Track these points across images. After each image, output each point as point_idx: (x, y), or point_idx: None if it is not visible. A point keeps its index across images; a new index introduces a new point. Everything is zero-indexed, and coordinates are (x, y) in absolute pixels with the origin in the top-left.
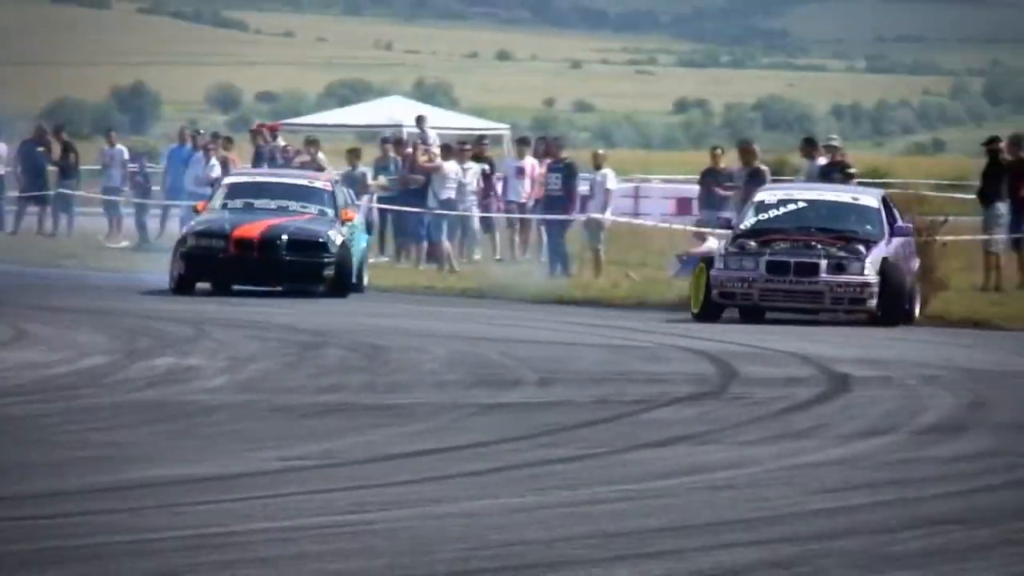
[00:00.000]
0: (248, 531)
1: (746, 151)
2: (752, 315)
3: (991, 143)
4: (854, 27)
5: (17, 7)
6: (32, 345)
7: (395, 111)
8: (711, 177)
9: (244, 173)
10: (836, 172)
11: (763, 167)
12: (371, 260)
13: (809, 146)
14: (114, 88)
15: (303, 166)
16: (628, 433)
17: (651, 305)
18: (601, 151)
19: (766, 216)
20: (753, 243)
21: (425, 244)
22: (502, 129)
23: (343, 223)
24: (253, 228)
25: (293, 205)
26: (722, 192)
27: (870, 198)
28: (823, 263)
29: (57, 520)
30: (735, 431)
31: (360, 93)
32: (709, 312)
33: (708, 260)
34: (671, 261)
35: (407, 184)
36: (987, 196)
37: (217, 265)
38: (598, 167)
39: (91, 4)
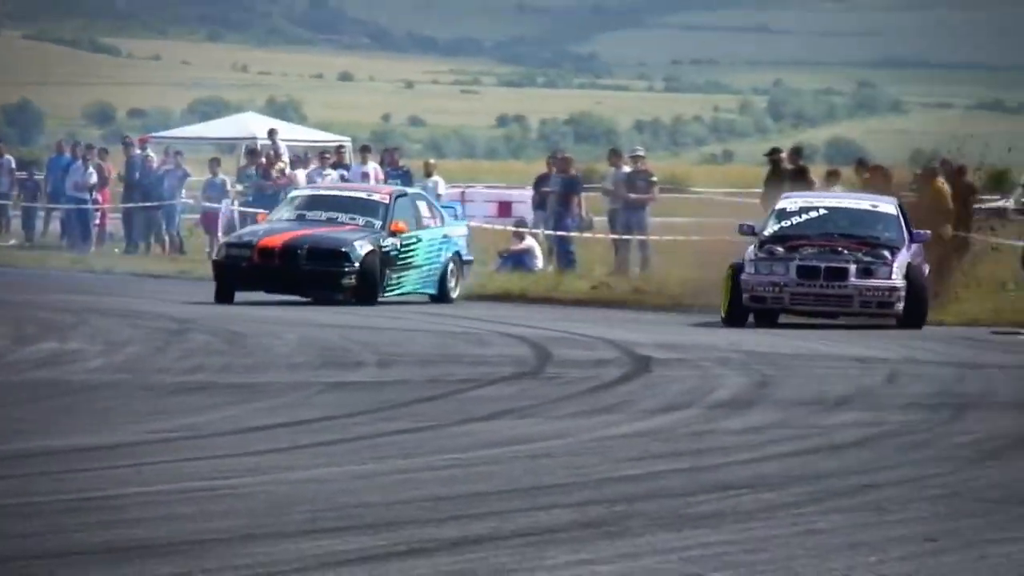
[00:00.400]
0: (124, 495)
1: (563, 160)
2: (767, 320)
3: (773, 153)
4: (653, 52)
5: None
6: None
7: (250, 125)
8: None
9: (309, 187)
10: (639, 180)
11: (577, 174)
12: None
13: (615, 156)
14: (2, 105)
15: (167, 173)
16: (456, 408)
17: (479, 297)
18: (431, 160)
19: (788, 223)
20: (781, 248)
21: None
22: (344, 141)
23: (393, 234)
24: (277, 238)
25: (343, 217)
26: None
27: (888, 205)
28: (852, 267)
29: None
30: (551, 406)
31: (219, 109)
32: (737, 316)
33: (736, 266)
34: (495, 258)
35: (263, 190)
36: (769, 201)
37: (241, 274)
38: (429, 174)
39: None
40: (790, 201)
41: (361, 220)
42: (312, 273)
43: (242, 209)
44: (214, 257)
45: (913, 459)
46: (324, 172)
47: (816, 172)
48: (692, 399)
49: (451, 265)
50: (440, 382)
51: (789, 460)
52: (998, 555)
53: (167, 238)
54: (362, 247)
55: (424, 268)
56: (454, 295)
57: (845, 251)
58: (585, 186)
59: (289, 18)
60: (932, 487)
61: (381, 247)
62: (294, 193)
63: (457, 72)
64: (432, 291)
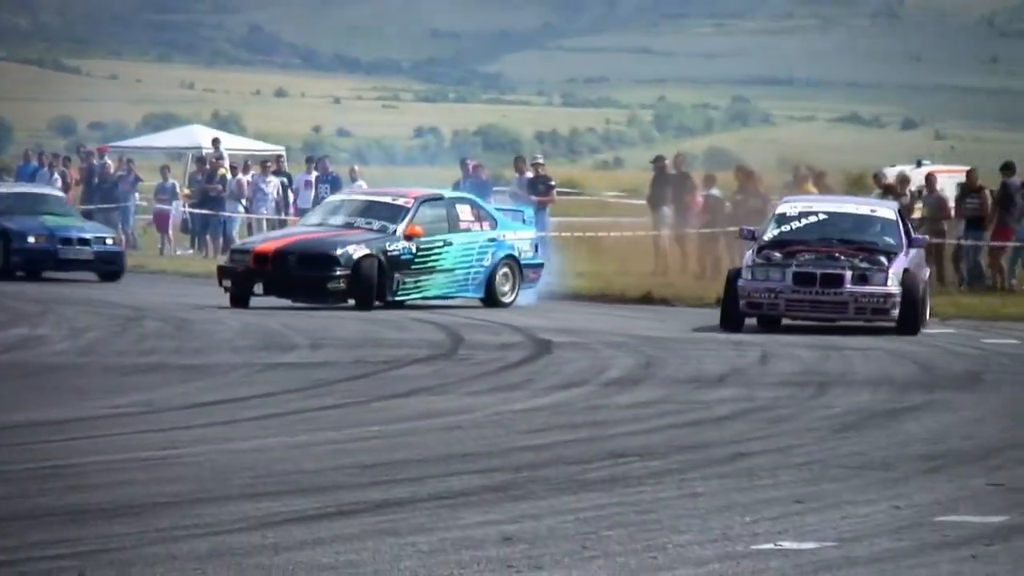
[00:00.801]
0: (85, 463)
1: (477, 167)
2: (770, 324)
3: (657, 160)
4: (551, 71)
5: None
6: None
7: (197, 136)
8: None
9: (343, 192)
10: (541, 184)
11: (487, 179)
12: (179, 252)
13: (519, 162)
14: None
15: (121, 178)
16: (378, 386)
17: None
18: (356, 167)
19: (788, 228)
20: (778, 254)
21: (222, 240)
22: (280, 150)
23: (408, 238)
24: (271, 244)
25: (361, 221)
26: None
27: (887, 210)
28: (848, 274)
29: None
30: (461, 384)
31: (169, 122)
32: (734, 322)
33: (734, 271)
34: None
35: (207, 192)
36: (655, 202)
37: (238, 278)
38: (354, 179)
39: None
40: (790, 206)
41: (377, 224)
42: (300, 278)
43: (190, 209)
44: (219, 263)
45: (781, 431)
46: (267, 179)
47: (696, 175)
48: (587, 377)
49: (504, 269)
50: (364, 363)
51: (673, 431)
52: (857, 515)
53: (123, 236)
54: (356, 252)
55: (456, 272)
56: (508, 299)
57: (842, 257)
58: (494, 189)
59: (230, 41)
60: (798, 455)
61: (387, 251)
62: (328, 198)
63: (379, 89)
64: (475, 295)
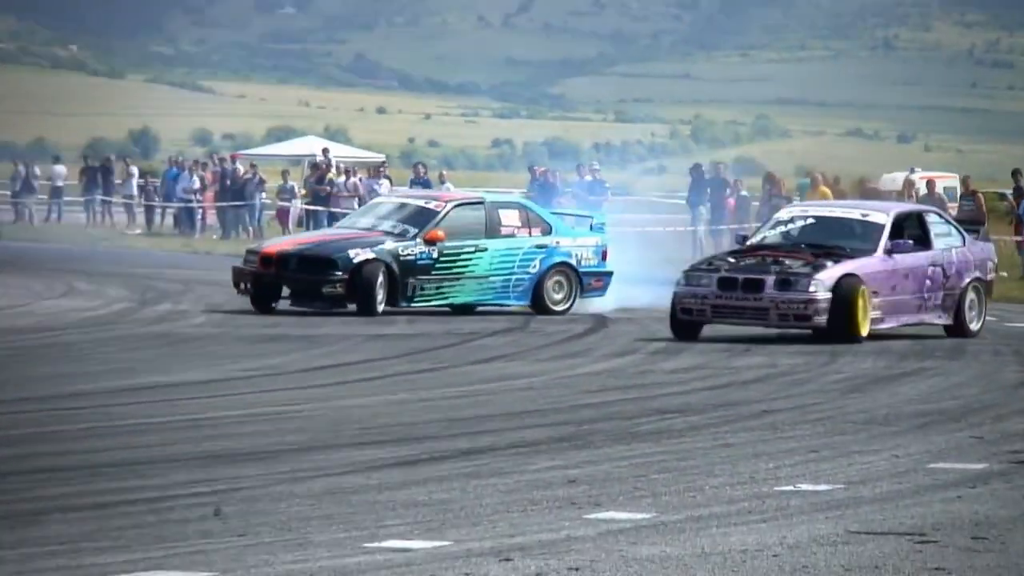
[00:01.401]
0: (219, 416)
1: (544, 172)
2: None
3: (695, 167)
4: (606, 92)
5: (72, 79)
6: (78, 295)
7: (311, 145)
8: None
9: (385, 194)
10: (597, 186)
11: (553, 181)
12: None
13: (579, 169)
14: (129, 130)
15: (248, 181)
16: (464, 353)
17: None
18: (444, 171)
19: (774, 232)
20: (731, 259)
21: None
22: (381, 157)
23: (430, 243)
24: (276, 247)
25: (386, 224)
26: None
27: (880, 214)
28: (769, 279)
29: (87, 410)
30: (533, 352)
31: (288, 134)
32: (680, 330)
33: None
34: None
35: (319, 192)
36: (693, 201)
37: (247, 279)
38: (443, 182)
39: (112, 76)
40: (787, 210)
41: (400, 228)
42: (296, 281)
43: (305, 207)
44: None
45: (799, 392)
46: (380, 180)
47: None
48: (636, 347)
49: (556, 277)
50: (452, 335)
51: (708, 392)
52: (862, 462)
53: (251, 228)
54: (358, 256)
55: (493, 279)
56: (560, 307)
57: (784, 262)
58: (564, 190)
59: (339, 67)
60: (813, 412)
61: (400, 256)
62: (372, 200)
63: (462, 107)
64: (519, 302)
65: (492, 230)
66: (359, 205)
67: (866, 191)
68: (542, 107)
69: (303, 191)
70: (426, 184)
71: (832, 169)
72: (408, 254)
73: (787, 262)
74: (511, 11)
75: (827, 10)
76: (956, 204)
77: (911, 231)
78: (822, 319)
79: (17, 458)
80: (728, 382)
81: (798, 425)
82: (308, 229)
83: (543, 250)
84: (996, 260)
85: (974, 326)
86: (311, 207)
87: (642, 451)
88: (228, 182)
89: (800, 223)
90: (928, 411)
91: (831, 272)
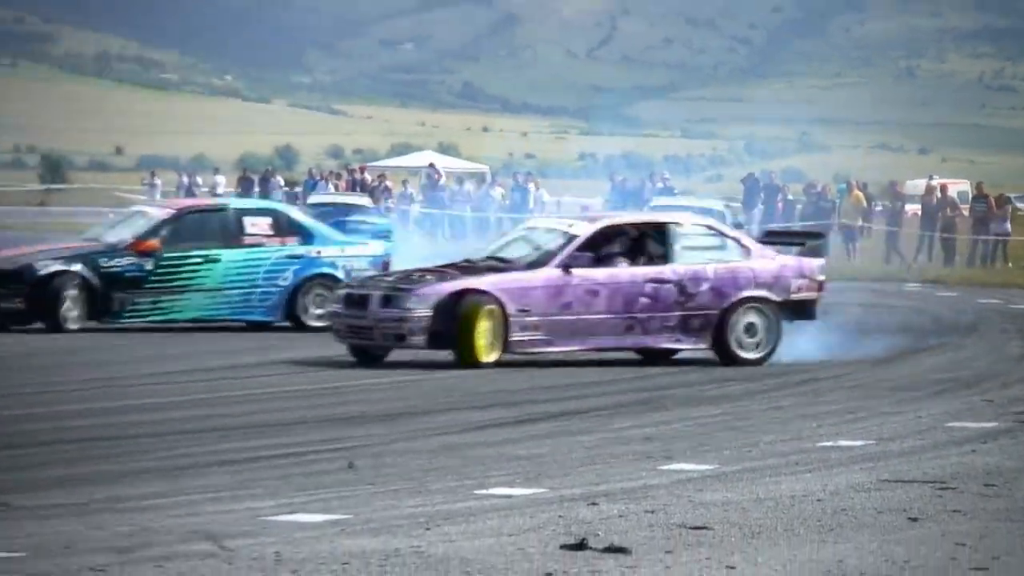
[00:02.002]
0: (349, 385)
1: (622, 180)
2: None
3: (748, 176)
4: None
5: (227, 104)
6: None
7: (426, 159)
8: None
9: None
10: (666, 192)
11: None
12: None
13: (653, 177)
14: (275, 147)
15: (374, 188)
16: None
17: None
18: (539, 180)
19: (498, 244)
20: (415, 275)
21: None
22: (485, 168)
23: (142, 254)
24: None
25: (111, 236)
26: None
27: (584, 226)
28: (376, 296)
29: (238, 379)
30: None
31: (407, 149)
32: (355, 353)
33: None
34: None
35: (433, 199)
36: (748, 205)
37: None
38: (538, 188)
39: (260, 100)
40: (526, 223)
41: (116, 239)
42: None
43: (421, 209)
44: None
45: (837, 363)
46: (494, 188)
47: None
48: None
49: (317, 290)
50: None
51: (761, 365)
52: (891, 422)
53: None
54: (46, 268)
55: (230, 291)
56: (313, 321)
57: (414, 276)
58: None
59: (450, 93)
60: (849, 380)
61: (102, 268)
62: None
63: (553, 126)
64: (265, 318)
65: (231, 239)
66: (471, 210)
67: (896, 194)
68: (619, 125)
69: (419, 197)
70: (523, 192)
71: (864, 177)
72: (112, 266)
73: (415, 277)
74: (594, 46)
75: (858, 44)
76: (968, 205)
77: (637, 244)
78: (418, 339)
79: (183, 419)
80: (776, 357)
81: (836, 391)
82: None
83: (297, 260)
84: (820, 277)
85: (749, 353)
86: (426, 210)
87: (706, 413)
88: (357, 189)
89: (523, 235)
90: (945, 379)
91: (439, 287)
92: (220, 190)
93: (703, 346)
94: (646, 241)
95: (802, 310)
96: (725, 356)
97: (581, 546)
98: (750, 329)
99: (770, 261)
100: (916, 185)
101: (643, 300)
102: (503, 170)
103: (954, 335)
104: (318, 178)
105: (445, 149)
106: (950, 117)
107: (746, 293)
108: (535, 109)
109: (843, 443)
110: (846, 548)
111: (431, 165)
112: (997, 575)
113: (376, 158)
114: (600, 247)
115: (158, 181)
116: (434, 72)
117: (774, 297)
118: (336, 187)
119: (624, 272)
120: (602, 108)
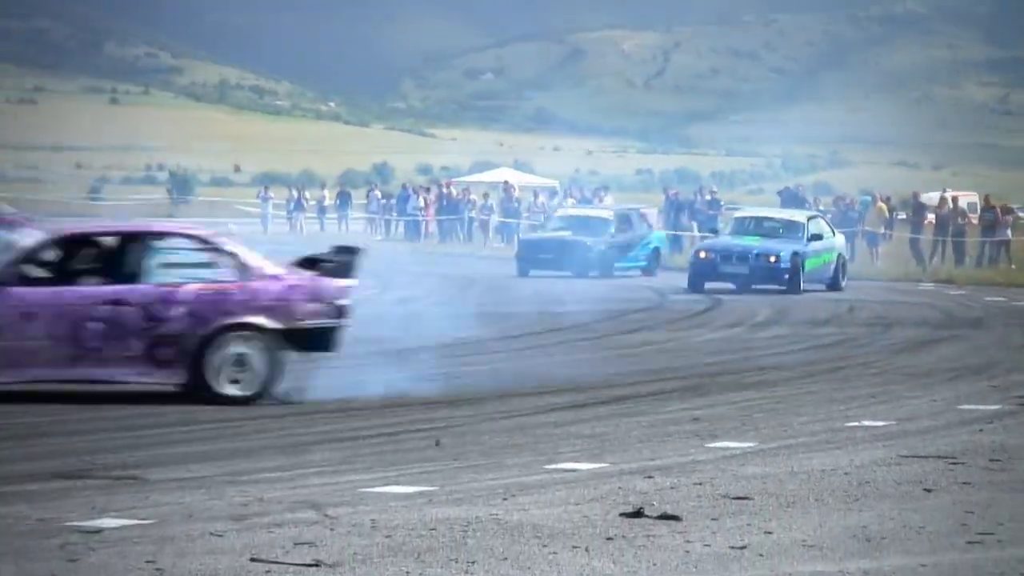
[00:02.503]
0: (439, 373)
1: (675, 193)
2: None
3: (784, 189)
4: (720, 134)
5: (331, 127)
6: None
7: (504, 175)
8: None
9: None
10: (714, 203)
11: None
12: (495, 245)
13: (702, 190)
14: (373, 165)
15: (459, 201)
16: (616, 325)
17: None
18: (601, 192)
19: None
20: None
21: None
22: (555, 183)
23: None
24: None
25: None
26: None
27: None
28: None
29: (340, 369)
30: (666, 324)
31: (487, 166)
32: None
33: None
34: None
35: (509, 210)
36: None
37: None
38: (601, 199)
39: (360, 124)
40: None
41: None
42: None
43: (499, 219)
44: None
45: (862, 352)
46: (567, 200)
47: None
48: (742, 320)
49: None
50: (608, 311)
51: (795, 354)
52: (909, 405)
53: (462, 235)
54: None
55: None
56: None
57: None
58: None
59: (524, 117)
60: (873, 368)
61: None
62: None
63: (615, 146)
64: None
65: None
66: (544, 219)
67: (917, 205)
68: (672, 145)
69: (496, 208)
70: (588, 203)
71: (884, 189)
72: None
73: None
74: (650, 76)
75: (882, 73)
76: (977, 215)
77: (107, 259)
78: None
79: (292, 405)
80: (809, 346)
81: (862, 377)
82: (503, 237)
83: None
84: (341, 301)
85: (236, 390)
86: (503, 220)
87: (746, 397)
88: (444, 202)
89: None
90: (956, 367)
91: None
92: (326, 203)
93: (177, 380)
94: (116, 256)
95: (315, 340)
96: (207, 392)
97: (638, 514)
98: (240, 361)
99: (273, 282)
100: (931, 197)
101: (95, 326)
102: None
103: (964, 328)
104: (410, 191)
105: (520, 166)
106: (961, 137)
107: (235, 319)
108: (599, 131)
109: (867, 423)
110: (869, 515)
111: (506, 182)
112: (1002, 539)
113: (460, 174)
114: (59, 261)
115: (271, 195)
116: (511, 99)
117: (272, 324)
118: (425, 199)
119: (71, 292)
120: (657, 130)
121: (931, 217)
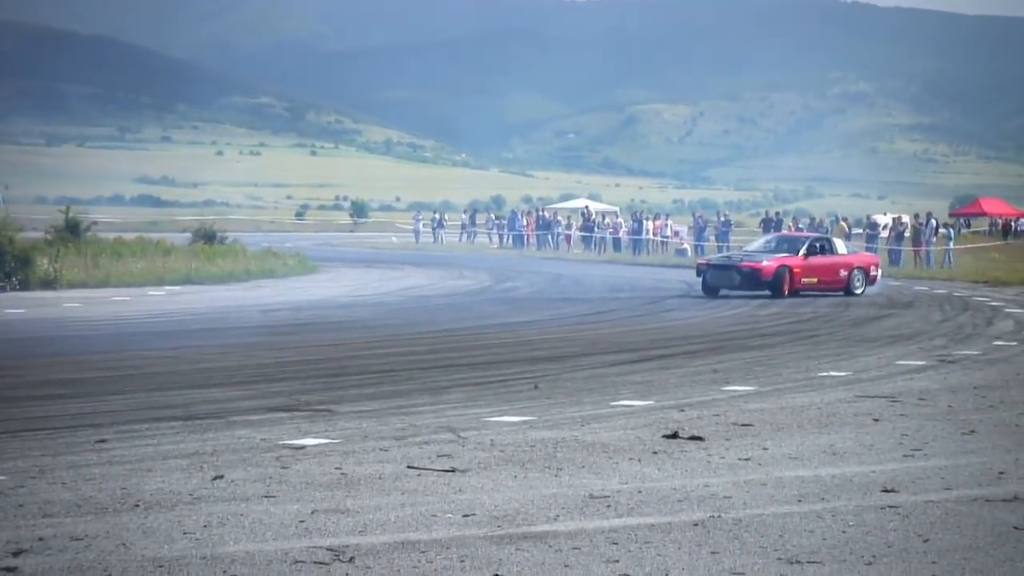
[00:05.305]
0: (536, 339)
1: (700, 215)
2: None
3: (766, 219)
4: (735, 174)
5: (461, 171)
6: (463, 278)
7: (582, 203)
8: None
9: None
10: (727, 223)
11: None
12: (575, 250)
13: (718, 214)
14: (490, 196)
15: (551, 222)
16: (656, 307)
17: None
18: (650, 215)
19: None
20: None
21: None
22: (615, 209)
23: None
24: None
25: None
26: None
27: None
28: None
29: (465, 334)
30: (693, 305)
31: (568, 197)
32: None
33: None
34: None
35: (586, 226)
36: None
37: None
38: (656, 218)
39: (479, 168)
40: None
41: None
42: None
43: (579, 232)
44: None
45: (829, 327)
46: (619, 220)
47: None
48: (748, 302)
49: None
50: (641, 296)
51: (785, 324)
52: (861, 361)
53: (552, 245)
54: None
55: None
56: None
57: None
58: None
59: (597, 163)
60: (837, 335)
61: None
62: None
63: (657, 182)
64: None
65: None
66: (610, 234)
67: (871, 223)
68: (697, 183)
69: (577, 225)
70: (640, 223)
71: (846, 213)
72: None
73: None
74: (682, 135)
75: (841, 133)
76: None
77: None
78: None
79: (432, 359)
80: (793, 320)
81: (829, 342)
82: (582, 244)
83: None
84: None
85: None
86: (582, 233)
87: (750, 355)
88: (540, 222)
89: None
90: (898, 335)
91: None
92: (457, 222)
93: None
94: None
95: None
96: None
97: (675, 435)
98: None
99: None
100: (882, 217)
101: None
102: (627, 209)
103: (899, 308)
104: (516, 214)
105: (593, 196)
106: (897, 177)
107: None
108: (646, 173)
109: (832, 373)
110: (834, 437)
111: (586, 207)
112: (928, 453)
113: (551, 202)
114: None
115: (420, 217)
116: (586, 151)
117: None
118: (527, 220)
119: None
120: (686, 172)
121: (885, 232)
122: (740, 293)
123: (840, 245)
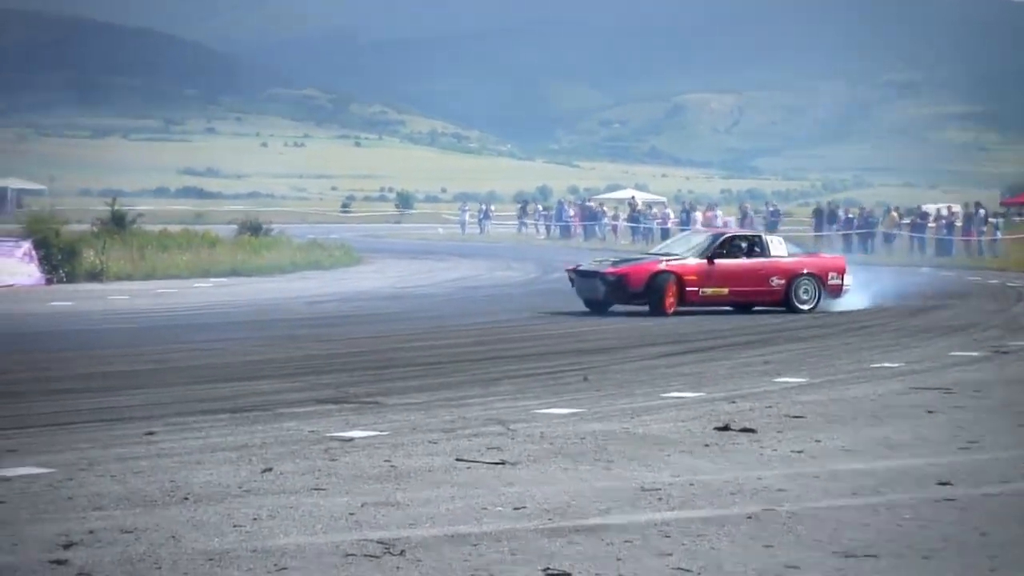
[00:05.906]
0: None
1: (747, 206)
2: None
3: (817, 209)
4: (782, 164)
5: (508, 162)
6: (511, 270)
7: (629, 193)
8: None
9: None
10: (776, 212)
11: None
12: (623, 241)
13: (766, 204)
14: (536, 187)
15: (597, 213)
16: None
17: None
18: (716, 207)
19: None
20: None
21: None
22: (663, 199)
23: None
24: None
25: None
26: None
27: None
28: None
29: (511, 325)
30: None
31: (615, 187)
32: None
33: None
34: None
35: (632, 216)
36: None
37: None
38: (695, 211)
39: (527, 159)
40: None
41: None
42: None
43: (624, 223)
44: None
45: (881, 315)
46: (667, 210)
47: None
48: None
49: None
50: None
51: (834, 318)
52: (913, 353)
53: (600, 235)
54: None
55: None
56: None
57: None
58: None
59: (643, 154)
60: (891, 326)
61: None
62: None
63: (704, 173)
64: None
65: None
66: (657, 225)
67: (922, 214)
68: (745, 172)
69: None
70: (689, 214)
71: (897, 203)
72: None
73: None
74: (729, 125)
75: (891, 121)
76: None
77: None
78: None
79: (480, 351)
80: (839, 315)
81: (883, 333)
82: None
83: None
84: None
85: None
86: (628, 224)
87: (802, 346)
88: (585, 212)
89: None
90: (948, 326)
91: None
92: (495, 212)
93: None
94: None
95: None
96: None
97: (726, 428)
98: None
99: None
100: (932, 207)
101: None
102: (675, 199)
103: (953, 299)
104: (563, 205)
105: (640, 187)
106: (947, 166)
107: None
108: (693, 163)
109: (886, 364)
110: (888, 429)
111: (632, 197)
112: (984, 446)
113: (597, 193)
114: None
115: (467, 208)
116: (632, 141)
117: None
118: (573, 211)
119: None
120: (734, 162)
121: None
122: (628, 308)
123: (777, 245)
